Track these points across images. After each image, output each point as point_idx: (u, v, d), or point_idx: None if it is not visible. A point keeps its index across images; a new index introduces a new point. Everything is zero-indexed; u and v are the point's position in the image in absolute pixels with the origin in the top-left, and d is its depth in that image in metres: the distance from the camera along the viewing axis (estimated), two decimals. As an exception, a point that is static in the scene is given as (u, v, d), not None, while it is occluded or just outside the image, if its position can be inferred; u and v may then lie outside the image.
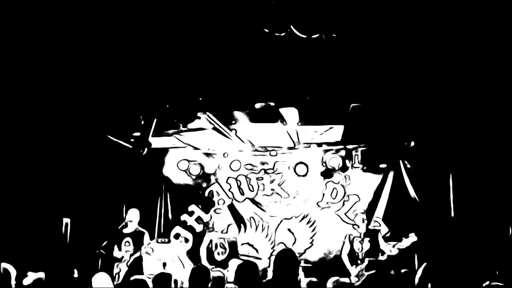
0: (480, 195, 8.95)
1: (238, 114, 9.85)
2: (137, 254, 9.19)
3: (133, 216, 9.38)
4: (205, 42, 7.37)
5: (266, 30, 6.64)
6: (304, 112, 9.88)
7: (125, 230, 9.45)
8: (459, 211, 9.14)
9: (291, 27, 6.58)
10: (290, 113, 9.91)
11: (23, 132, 8.71)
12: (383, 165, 10.01)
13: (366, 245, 9.35)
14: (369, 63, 8.93)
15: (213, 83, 7.98)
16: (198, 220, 10.26)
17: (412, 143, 9.80)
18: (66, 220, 9.13)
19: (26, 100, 8.54)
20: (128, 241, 9.37)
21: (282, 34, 6.57)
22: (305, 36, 6.58)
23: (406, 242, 9.00)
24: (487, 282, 5.74)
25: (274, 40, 6.79)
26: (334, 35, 6.86)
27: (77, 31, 8.01)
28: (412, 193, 9.69)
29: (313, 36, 6.48)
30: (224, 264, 9.41)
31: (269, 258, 9.80)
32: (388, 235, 9.61)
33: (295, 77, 8.47)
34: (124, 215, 9.56)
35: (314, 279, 6.62)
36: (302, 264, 9.20)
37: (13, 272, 5.45)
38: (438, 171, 9.45)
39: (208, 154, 10.42)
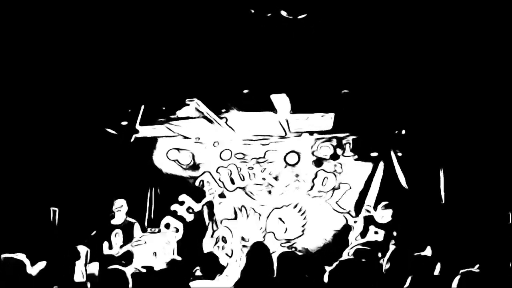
0: (470, 183, 8.93)
1: (229, 102, 9.81)
2: (128, 246, 9.12)
3: (120, 206, 9.30)
4: (191, 26, 7.31)
5: (252, 11, 6.57)
6: (295, 100, 9.84)
7: (114, 222, 9.35)
8: (450, 199, 9.11)
9: (279, 9, 6.52)
10: (281, 101, 9.86)
11: (9, 121, 8.66)
12: (374, 154, 9.95)
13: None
14: (359, 50, 8.89)
15: (200, 68, 7.92)
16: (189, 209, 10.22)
17: (403, 131, 9.75)
18: (54, 209, 9.07)
19: (12, 90, 8.49)
20: (117, 233, 9.29)
21: (269, 15, 6.49)
22: (291, 17, 6.50)
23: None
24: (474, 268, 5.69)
25: (261, 22, 6.71)
26: (322, 19, 6.79)
27: (64, 21, 7.97)
28: (402, 181, 9.64)
29: (299, 17, 6.40)
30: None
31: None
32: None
33: (284, 63, 8.44)
34: (112, 204, 9.48)
35: None
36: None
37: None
38: (429, 160, 9.42)
39: (198, 143, 10.35)
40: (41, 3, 7.84)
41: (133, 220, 9.43)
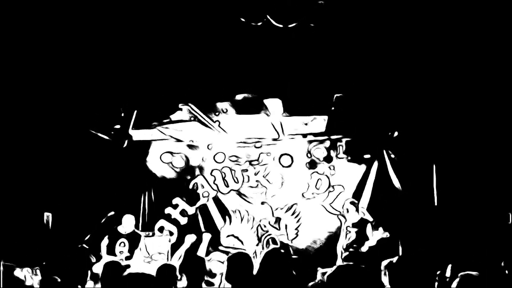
0: (462, 185, 8.96)
1: (221, 105, 9.82)
2: (133, 259, 9.10)
3: (127, 221, 9.33)
4: (183, 33, 7.31)
5: (243, 20, 6.58)
6: (288, 103, 9.86)
7: (120, 230, 9.33)
8: (443, 201, 9.13)
9: (268, 16, 6.53)
10: (274, 104, 9.88)
11: (3, 126, 8.65)
12: (367, 156, 9.96)
13: (353, 235, 9.28)
14: (351, 53, 8.91)
15: (192, 74, 7.92)
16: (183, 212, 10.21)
17: (396, 133, 9.77)
18: (48, 214, 9.06)
19: (6, 96, 8.48)
20: (123, 242, 9.25)
21: (259, 24, 6.51)
22: (281, 26, 6.52)
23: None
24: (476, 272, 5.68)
25: (251, 30, 6.72)
26: (312, 25, 6.81)
27: (57, 24, 7.96)
28: (396, 183, 9.66)
29: (290, 26, 6.43)
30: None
31: (254, 251, 9.77)
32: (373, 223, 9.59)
33: (277, 68, 8.45)
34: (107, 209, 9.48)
35: None
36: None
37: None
38: (422, 161, 9.44)
39: (191, 146, 10.34)
40: (37, 8, 7.84)
41: (140, 233, 9.44)
